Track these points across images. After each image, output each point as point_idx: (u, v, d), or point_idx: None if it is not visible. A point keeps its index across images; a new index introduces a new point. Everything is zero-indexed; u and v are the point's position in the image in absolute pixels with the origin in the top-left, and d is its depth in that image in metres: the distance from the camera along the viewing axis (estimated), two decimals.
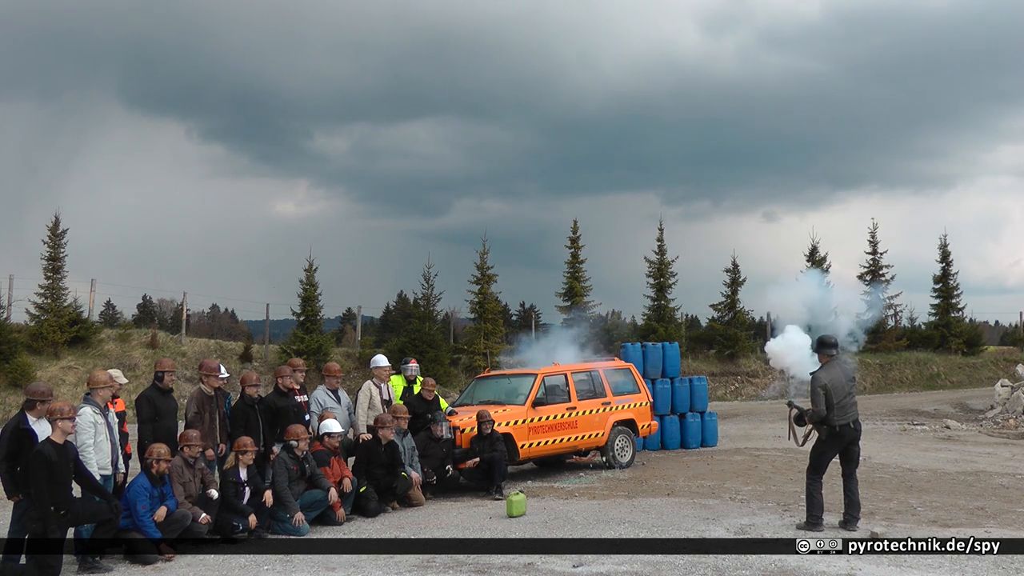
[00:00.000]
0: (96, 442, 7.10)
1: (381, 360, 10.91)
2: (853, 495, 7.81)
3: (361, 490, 9.12)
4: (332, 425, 9.19)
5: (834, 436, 7.81)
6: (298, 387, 9.63)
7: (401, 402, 10.65)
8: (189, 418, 8.42)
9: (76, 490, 6.94)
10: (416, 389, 11.18)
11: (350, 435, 9.99)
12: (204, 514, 7.52)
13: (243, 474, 8.14)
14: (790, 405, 8.33)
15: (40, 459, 6.41)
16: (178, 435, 8.06)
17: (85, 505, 6.82)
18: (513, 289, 57.02)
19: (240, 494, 8.03)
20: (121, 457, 7.59)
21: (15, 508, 6.82)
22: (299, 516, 8.20)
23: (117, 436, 7.54)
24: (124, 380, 8.53)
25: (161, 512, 7.21)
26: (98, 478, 7.00)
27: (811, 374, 7.97)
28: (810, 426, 8.04)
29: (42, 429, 6.76)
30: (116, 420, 7.64)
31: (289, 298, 27.32)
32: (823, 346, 8.06)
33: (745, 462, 12.77)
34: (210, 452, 8.27)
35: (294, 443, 8.55)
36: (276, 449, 8.74)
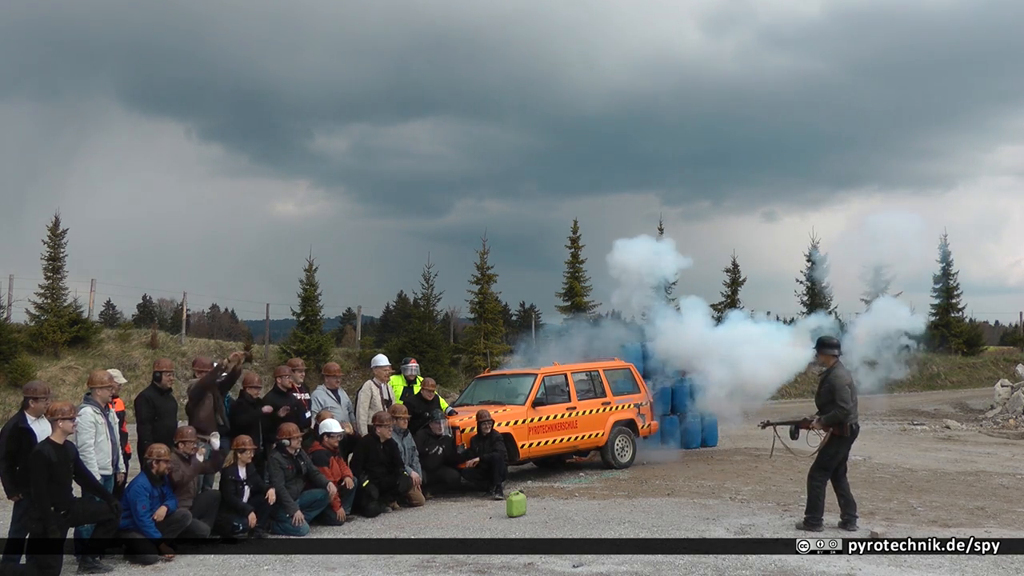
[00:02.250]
0: (96, 442, 7.10)
1: (382, 360, 10.92)
2: (847, 494, 7.81)
3: (364, 484, 9.10)
4: (331, 425, 9.18)
5: (849, 435, 7.77)
6: (298, 386, 9.64)
7: (401, 402, 10.65)
8: (192, 396, 8.49)
9: (76, 490, 6.95)
10: (416, 389, 11.18)
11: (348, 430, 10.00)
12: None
13: (242, 472, 8.15)
14: (766, 425, 8.35)
15: (40, 459, 6.41)
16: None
17: (85, 505, 6.82)
18: (513, 289, 57.12)
19: (240, 492, 8.04)
20: (121, 457, 7.59)
21: (15, 508, 6.81)
22: (299, 516, 8.20)
23: (117, 436, 7.54)
24: (123, 380, 8.54)
25: (161, 512, 7.21)
26: (98, 478, 7.00)
27: (831, 373, 7.88)
28: (813, 432, 7.98)
29: (41, 428, 6.76)
30: (116, 420, 7.64)
31: (289, 298, 27.33)
32: (827, 347, 7.99)
33: (745, 462, 12.77)
34: (213, 440, 8.30)
35: (286, 441, 8.55)
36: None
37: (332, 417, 9.40)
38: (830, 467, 7.81)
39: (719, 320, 14.42)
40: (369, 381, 10.63)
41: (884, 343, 11.62)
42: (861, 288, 29.93)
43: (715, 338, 13.18)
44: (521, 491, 9.35)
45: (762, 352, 12.11)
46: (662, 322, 13.73)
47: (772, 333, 12.99)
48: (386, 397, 10.50)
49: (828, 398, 7.81)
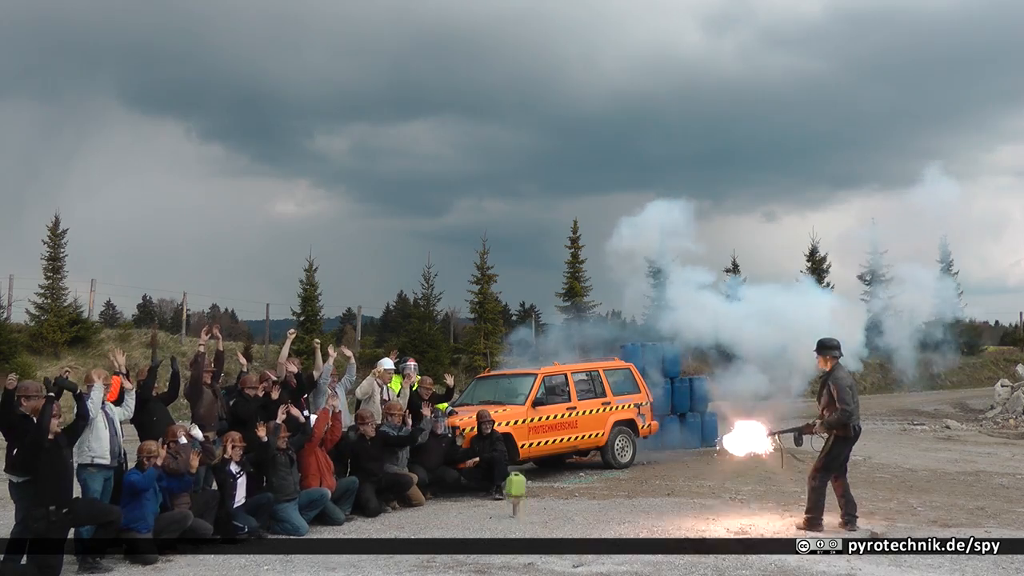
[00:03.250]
0: (96, 433, 7.14)
1: (388, 363, 11.02)
2: (847, 494, 7.81)
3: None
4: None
5: (852, 436, 7.79)
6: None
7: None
8: (189, 393, 8.63)
9: (76, 490, 6.96)
10: (415, 388, 11.20)
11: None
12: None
13: (235, 467, 8.15)
14: (770, 434, 8.34)
15: (35, 446, 6.45)
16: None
17: (85, 505, 6.82)
18: (513, 289, 56.96)
19: (234, 485, 8.05)
20: (121, 448, 7.58)
21: (17, 509, 6.83)
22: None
23: (118, 427, 7.54)
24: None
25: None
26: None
27: (832, 374, 7.87)
28: (817, 435, 7.98)
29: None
30: (113, 411, 7.61)
31: (289, 298, 27.29)
32: (827, 348, 7.98)
33: (745, 462, 12.74)
34: (197, 433, 8.25)
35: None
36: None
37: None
38: (832, 468, 7.81)
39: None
40: (370, 377, 10.69)
41: (919, 333, 10.60)
42: (861, 287, 30.06)
43: (738, 317, 12.46)
44: (519, 472, 9.34)
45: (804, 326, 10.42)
46: (674, 313, 13.13)
47: (805, 297, 11.87)
48: (386, 397, 10.54)
49: (829, 400, 7.81)
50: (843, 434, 7.76)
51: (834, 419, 7.73)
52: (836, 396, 7.72)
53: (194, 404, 8.75)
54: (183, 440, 7.82)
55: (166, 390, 8.84)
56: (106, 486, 7.27)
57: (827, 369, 7.97)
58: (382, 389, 10.57)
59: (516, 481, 8.81)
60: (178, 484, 7.46)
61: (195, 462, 7.66)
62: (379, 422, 9.86)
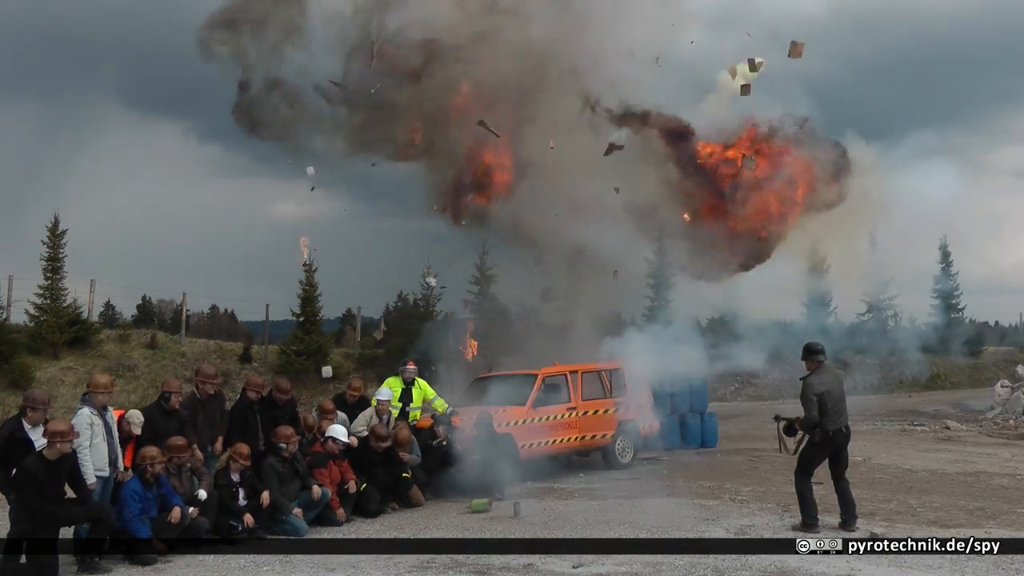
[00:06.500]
0: (93, 443, 7.10)
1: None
2: (847, 495, 7.84)
3: (362, 488, 9.11)
4: (338, 431, 9.20)
5: (827, 441, 7.82)
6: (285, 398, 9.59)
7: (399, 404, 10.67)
8: (181, 418, 8.43)
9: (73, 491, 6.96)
10: (415, 392, 11.07)
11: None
12: (192, 508, 7.54)
13: (236, 476, 8.14)
14: (777, 419, 8.36)
15: (27, 476, 6.43)
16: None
17: (77, 504, 6.82)
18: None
19: (235, 495, 8.03)
20: (120, 456, 7.57)
21: (11, 510, 6.82)
22: (297, 511, 8.24)
23: (116, 436, 7.52)
24: (138, 430, 8.13)
25: (176, 514, 7.26)
26: (94, 479, 7.02)
27: (802, 380, 7.94)
28: (801, 433, 8.02)
29: (38, 436, 6.79)
30: (113, 419, 7.60)
31: (289, 298, 27.18)
32: (811, 353, 8.03)
33: (745, 462, 12.77)
34: (198, 454, 8.19)
35: (283, 445, 8.54)
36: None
37: (340, 424, 9.46)
38: (808, 470, 7.90)
39: None
40: (372, 409, 10.32)
41: None
42: (861, 287, 29.96)
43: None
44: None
45: None
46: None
47: None
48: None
49: (802, 403, 7.90)
50: (812, 438, 7.83)
51: (802, 420, 7.85)
52: (802, 401, 7.81)
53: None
54: (203, 494, 7.82)
55: None
56: (105, 487, 7.27)
57: (809, 372, 8.00)
58: (380, 421, 10.12)
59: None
60: (170, 492, 7.47)
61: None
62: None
